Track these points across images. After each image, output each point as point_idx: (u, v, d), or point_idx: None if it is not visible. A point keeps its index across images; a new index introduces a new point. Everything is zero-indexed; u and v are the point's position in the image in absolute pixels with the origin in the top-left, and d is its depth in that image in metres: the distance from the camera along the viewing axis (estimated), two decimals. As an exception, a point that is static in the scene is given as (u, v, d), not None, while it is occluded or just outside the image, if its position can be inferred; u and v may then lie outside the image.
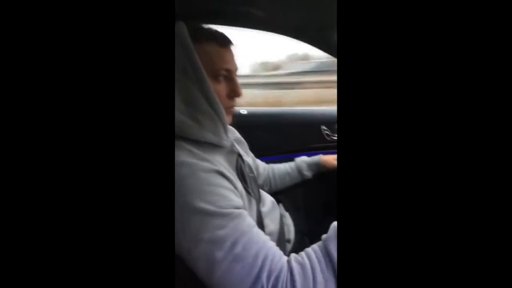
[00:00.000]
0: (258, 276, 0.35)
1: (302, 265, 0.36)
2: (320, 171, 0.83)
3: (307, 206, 0.82)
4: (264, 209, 0.58)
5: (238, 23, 0.75)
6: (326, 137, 1.09)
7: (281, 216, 0.65)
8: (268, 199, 0.64)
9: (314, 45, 0.86)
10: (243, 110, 1.12)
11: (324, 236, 0.40)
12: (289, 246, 0.62)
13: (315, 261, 0.36)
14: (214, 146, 0.47)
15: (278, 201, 0.71)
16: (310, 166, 0.82)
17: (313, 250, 0.38)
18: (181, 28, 0.44)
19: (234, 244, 0.36)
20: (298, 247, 0.62)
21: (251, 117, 1.11)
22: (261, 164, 0.80)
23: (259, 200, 0.58)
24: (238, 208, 0.40)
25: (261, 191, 0.64)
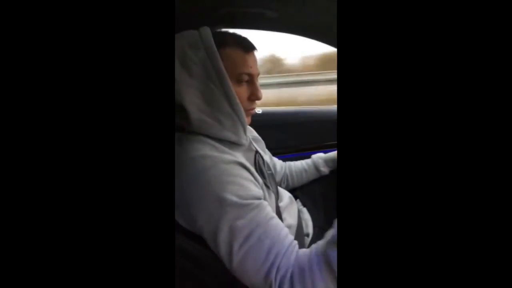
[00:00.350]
0: (269, 270, 0.37)
1: (302, 270, 0.37)
2: (337, 166, 0.84)
3: (324, 201, 0.83)
4: (282, 204, 0.60)
5: (251, 25, 0.78)
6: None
7: (299, 211, 0.66)
8: (285, 195, 0.65)
9: (324, 42, 0.87)
10: (258, 110, 1.14)
11: (325, 240, 0.40)
12: (307, 240, 0.63)
13: (313, 265, 0.37)
14: (234, 144, 0.50)
15: (295, 197, 0.73)
16: (327, 162, 0.83)
17: (315, 251, 0.39)
18: (206, 33, 0.47)
19: (249, 236, 0.38)
20: (316, 241, 0.63)
21: (266, 116, 1.13)
22: (278, 162, 0.82)
23: (277, 195, 0.60)
24: (258, 198, 0.42)
25: (279, 187, 0.66)
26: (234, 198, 0.39)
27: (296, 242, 0.42)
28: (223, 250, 0.39)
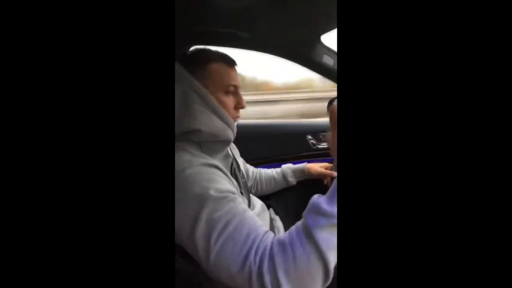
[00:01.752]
0: (248, 254, 0.37)
1: (282, 243, 0.36)
2: (305, 177, 0.89)
3: (295, 209, 0.87)
4: (255, 211, 0.62)
5: (227, 43, 0.83)
6: (311, 146, 1.16)
7: (271, 219, 0.69)
8: (258, 203, 0.69)
9: (296, 62, 0.94)
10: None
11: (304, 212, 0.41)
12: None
13: (294, 237, 0.36)
14: (212, 150, 0.53)
15: (268, 206, 0.76)
16: (295, 172, 0.88)
17: (295, 226, 0.39)
18: (181, 72, 0.51)
19: (227, 225, 0.39)
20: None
21: (242, 128, 1.17)
22: (250, 168, 0.87)
23: (249, 202, 0.63)
24: (233, 192, 0.44)
25: (251, 195, 0.69)
26: (211, 192, 0.41)
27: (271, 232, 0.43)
28: (200, 245, 0.39)
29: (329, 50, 0.91)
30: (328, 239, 0.33)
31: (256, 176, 0.87)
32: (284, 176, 0.88)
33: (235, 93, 0.56)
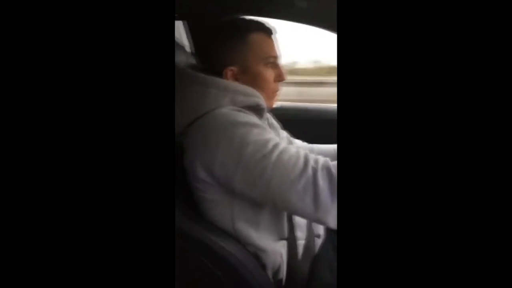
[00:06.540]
0: (306, 160, 0.39)
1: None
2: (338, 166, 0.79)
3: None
4: None
5: (278, 14, 0.75)
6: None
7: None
8: None
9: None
10: (275, 103, 1.12)
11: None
12: (318, 241, 0.62)
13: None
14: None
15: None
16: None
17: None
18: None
19: (276, 145, 0.40)
20: (327, 244, 0.62)
21: (284, 110, 1.12)
22: (298, 142, 0.79)
23: None
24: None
25: None
26: (255, 121, 0.43)
27: None
28: (252, 164, 0.38)
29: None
30: None
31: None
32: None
33: (275, 64, 0.52)
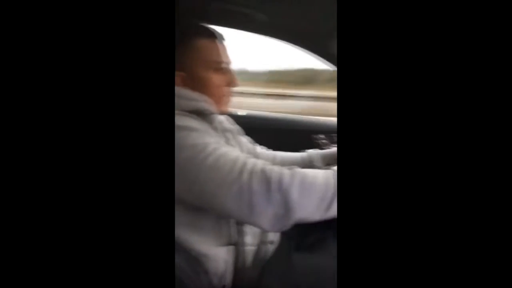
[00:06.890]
0: (244, 164, 0.39)
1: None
2: (335, 163, 0.79)
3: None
4: None
5: (241, 25, 0.77)
6: (320, 145, 1.09)
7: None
8: None
9: (314, 53, 0.87)
10: (242, 112, 1.13)
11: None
12: (271, 247, 0.62)
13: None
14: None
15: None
16: (325, 158, 0.77)
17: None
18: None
19: (215, 150, 0.40)
20: (280, 250, 0.62)
21: (249, 119, 1.13)
22: (260, 149, 0.78)
23: None
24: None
25: None
26: (195, 125, 0.43)
27: None
28: (188, 166, 0.39)
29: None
30: None
31: (268, 157, 0.77)
32: (310, 160, 0.76)
33: (225, 70, 0.53)
